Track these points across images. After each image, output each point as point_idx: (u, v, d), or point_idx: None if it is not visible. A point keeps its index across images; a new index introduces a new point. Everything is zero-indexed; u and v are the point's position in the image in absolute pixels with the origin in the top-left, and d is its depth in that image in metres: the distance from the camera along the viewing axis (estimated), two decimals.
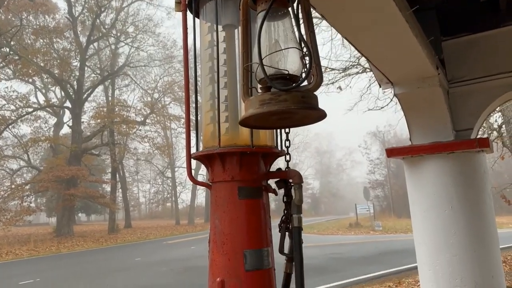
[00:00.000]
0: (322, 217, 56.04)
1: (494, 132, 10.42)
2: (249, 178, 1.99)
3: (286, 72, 1.11)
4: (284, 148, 2.13)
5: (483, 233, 2.82)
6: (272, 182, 2.27)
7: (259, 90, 1.17)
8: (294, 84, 1.09)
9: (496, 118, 11.12)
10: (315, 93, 1.11)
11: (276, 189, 2.19)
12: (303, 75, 1.09)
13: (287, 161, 2.19)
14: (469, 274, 2.73)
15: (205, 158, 2.03)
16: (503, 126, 10.27)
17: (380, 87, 3.12)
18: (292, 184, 2.10)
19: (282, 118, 1.21)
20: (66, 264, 16.36)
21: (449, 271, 2.79)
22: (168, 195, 52.70)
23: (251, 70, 1.23)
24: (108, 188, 39.38)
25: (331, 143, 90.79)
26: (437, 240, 2.86)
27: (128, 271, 13.54)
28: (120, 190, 38.66)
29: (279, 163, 2.30)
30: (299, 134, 60.26)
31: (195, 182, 2.07)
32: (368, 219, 33.44)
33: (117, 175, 35.96)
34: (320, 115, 1.14)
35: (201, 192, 53.01)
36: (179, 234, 31.23)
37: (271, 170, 2.17)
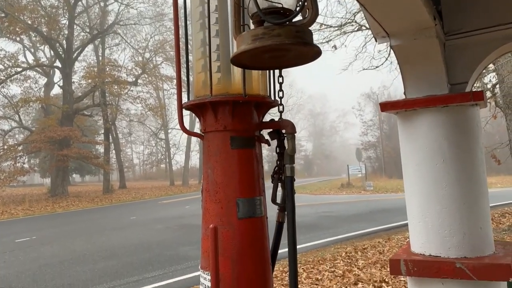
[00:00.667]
0: (314, 178, 56.79)
1: (488, 92, 10.42)
2: (241, 128, 1.97)
3: (280, 6, 1.07)
4: (277, 98, 2.10)
5: (473, 186, 2.85)
6: (265, 134, 2.25)
7: (252, 27, 1.13)
8: (288, 18, 1.04)
9: (490, 78, 11.09)
10: (310, 29, 1.07)
11: (269, 140, 2.18)
12: (297, 8, 1.05)
13: (280, 112, 2.17)
14: (458, 226, 2.79)
15: (197, 108, 2.00)
16: (497, 86, 10.26)
17: (376, 41, 3.05)
18: (285, 134, 2.09)
19: (275, 57, 1.17)
20: (62, 223, 16.58)
21: (439, 222, 2.84)
22: (162, 157, 52.86)
23: (243, 5, 1.18)
24: (101, 149, 39.39)
25: (325, 105, 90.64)
26: (428, 193, 2.90)
27: (123, 229, 13.77)
28: (113, 151, 38.67)
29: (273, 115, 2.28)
30: (292, 96, 59.98)
31: (187, 132, 2.05)
32: (360, 180, 33.97)
33: (110, 137, 35.85)
34: (315, 52, 1.11)
35: (195, 154, 53.27)
36: (174, 194, 31.61)
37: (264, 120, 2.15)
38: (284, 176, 2.09)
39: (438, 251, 2.83)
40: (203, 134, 2.05)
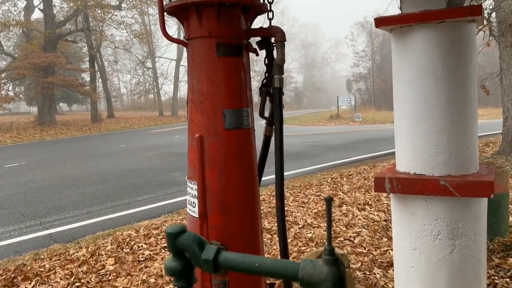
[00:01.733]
0: (304, 110, 56.93)
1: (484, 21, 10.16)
2: (228, 33, 1.86)
3: None
4: (267, 2, 1.97)
5: (463, 105, 2.82)
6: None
7: None
8: None
9: (486, 6, 10.75)
10: None
11: (257, 49, 2.08)
12: None
13: (270, 19, 2.05)
14: (445, 145, 2.80)
15: (180, 11, 1.87)
16: (493, 13, 9.97)
17: None
18: (274, 43, 1.99)
19: None
20: (51, 150, 16.59)
21: (426, 142, 2.84)
22: (150, 87, 52.05)
23: None
24: (87, 77, 38.48)
25: (317, 35, 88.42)
26: (417, 112, 2.87)
27: (113, 156, 13.85)
28: (99, 80, 37.83)
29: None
30: (284, 24, 58.09)
31: (169, 38, 1.93)
32: (349, 112, 34.10)
33: (96, 64, 34.86)
34: None
35: (183, 84, 52.39)
36: (163, 124, 31.54)
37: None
38: (272, 88, 2.02)
39: (423, 170, 2.86)
40: (187, 41, 1.93)
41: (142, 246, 5.22)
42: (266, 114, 2.07)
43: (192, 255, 0.69)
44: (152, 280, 4.21)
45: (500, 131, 10.13)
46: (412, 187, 2.81)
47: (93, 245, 5.29)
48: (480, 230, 2.82)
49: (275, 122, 1.94)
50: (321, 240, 5.19)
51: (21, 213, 7.10)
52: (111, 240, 5.44)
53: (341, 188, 8.08)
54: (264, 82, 2.09)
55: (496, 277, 3.67)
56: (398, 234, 3.05)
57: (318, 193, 7.75)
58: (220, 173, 1.86)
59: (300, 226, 5.83)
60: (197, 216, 1.77)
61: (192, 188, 1.89)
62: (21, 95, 37.34)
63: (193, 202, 1.86)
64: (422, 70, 2.81)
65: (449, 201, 2.75)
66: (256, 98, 2.25)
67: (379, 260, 4.23)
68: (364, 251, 4.60)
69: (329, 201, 0.63)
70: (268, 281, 1.96)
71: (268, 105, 2.10)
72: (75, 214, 6.92)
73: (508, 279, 3.62)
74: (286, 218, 6.23)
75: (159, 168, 10.98)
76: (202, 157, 1.78)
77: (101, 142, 19.15)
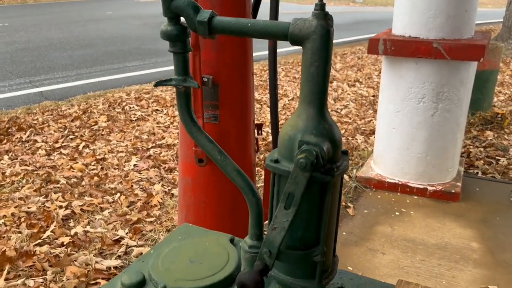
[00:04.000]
0: None
1: None
2: None
3: None
4: None
5: None
6: None
7: None
8: None
9: None
10: None
11: None
12: None
13: None
14: (444, 7, 2.72)
15: None
16: None
17: None
18: None
19: None
20: (34, 13, 15.78)
21: (425, 3, 2.76)
22: None
23: None
24: None
25: None
26: None
27: (100, 22, 13.28)
28: None
29: None
30: None
31: None
32: None
33: None
34: None
35: None
36: None
37: None
38: None
39: (419, 32, 2.83)
40: None
41: (133, 107, 5.31)
42: None
43: (187, 18, 0.70)
44: (145, 137, 4.38)
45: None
46: (405, 49, 2.81)
47: (85, 103, 5.36)
48: (464, 96, 2.91)
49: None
50: None
51: (9, 71, 7.02)
52: (103, 100, 5.51)
53: (334, 66, 8.04)
54: None
55: (471, 147, 3.90)
56: (384, 97, 3.13)
57: None
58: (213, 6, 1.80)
59: (289, 98, 5.93)
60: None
61: None
62: None
63: None
64: None
65: (438, 65, 2.78)
66: None
67: (362, 128, 4.41)
68: (350, 120, 4.77)
69: None
70: (256, 122, 2.05)
71: None
72: (65, 75, 6.87)
73: (482, 149, 3.86)
74: None
75: (148, 37, 10.64)
76: None
77: (87, 8, 18.17)
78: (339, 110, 5.20)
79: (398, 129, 3.04)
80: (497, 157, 3.68)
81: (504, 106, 5.05)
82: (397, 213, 2.85)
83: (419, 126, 2.93)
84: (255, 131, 2.06)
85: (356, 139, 4.13)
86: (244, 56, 1.84)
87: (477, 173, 3.44)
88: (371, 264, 2.36)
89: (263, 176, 2.64)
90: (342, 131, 4.37)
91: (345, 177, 3.33)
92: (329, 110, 5.22)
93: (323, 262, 0.71)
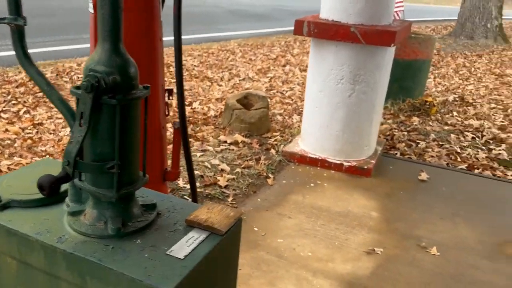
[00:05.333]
0: None
1: None
2: None
3: None
4: None
5: None
6: None
7: None
8: None
9: None
10: None
11: None
12: None
13: None
14: None
15: None
16: None
17: None
18: None
19: None
20: None
21: None
22: None
23: None
24: None
25: None
26: None
27: None
28: None
29: None
30: None
31: None
32: None
33: None
34: None
35: None
36: None
37: None
38: None
39: (340, 17, 3.02)
40: None
41: (81, 77, 5.32)
42: None
43: None
44: None
45: None
46: (326, 32, 2.99)
47: None
48: (380, 79, 3.13)
49: None
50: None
51: None
52: (52, 69, 5.49)
53: (291, 51, 8.22)
54: None
55: (396, 130, 4.17)
56: (310, 78, 3.32)
57: (267, 53, 7.87)
58: None
59: (241, 78, 6.06)
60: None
61: None
62: None
63: None
64: None
65: (356, 49, 2.99)
66: None
67: (300, 109, 4.61)
68: (291, 102, 4.97)
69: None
70: (167, 87, 2.18)
71: None
72: None
73: (406, 133, 4.13)
74: (230, 71, 6.43)
75: None
76: None
77: None
78: (284, 92, 5.39)
79: (320, 108, 3.24)
80: (417, 141, 3.96)
81: (439, 96, 5.37)
82: (312, 185, 3.07)
83: (338, 106, 3.14)
84: (166, 96, 2.19)
85: (292, 118, 4.33)
86: (151, 21, 1.96)
87: (396, 154, 3.70)
88: (276, 226, 2.56)
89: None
90: (281, 111, 4.56)
91: (272, 151, 3.52)
92: (275, 91, 5.44)
93: (119, 174, 0.86)
